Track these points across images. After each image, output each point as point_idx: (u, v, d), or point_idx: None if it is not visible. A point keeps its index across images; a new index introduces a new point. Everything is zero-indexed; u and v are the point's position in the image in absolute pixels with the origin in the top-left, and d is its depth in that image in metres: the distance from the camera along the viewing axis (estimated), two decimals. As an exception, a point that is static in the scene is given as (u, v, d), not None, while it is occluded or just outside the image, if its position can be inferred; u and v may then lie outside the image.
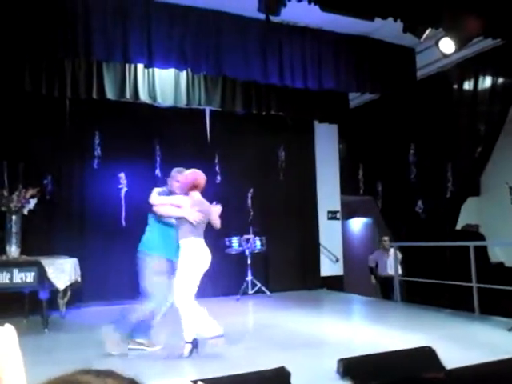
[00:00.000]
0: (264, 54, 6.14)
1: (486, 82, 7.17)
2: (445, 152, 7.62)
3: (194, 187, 4.48)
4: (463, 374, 3.47)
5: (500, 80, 7.00)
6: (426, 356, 3.68)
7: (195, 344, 4.14)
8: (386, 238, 8.88)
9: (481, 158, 7.23)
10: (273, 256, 8.51)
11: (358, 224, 12.11)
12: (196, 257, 4.24)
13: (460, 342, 4.51)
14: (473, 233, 8.26)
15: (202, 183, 4.52)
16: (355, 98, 8.89)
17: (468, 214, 8.48)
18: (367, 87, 7.03)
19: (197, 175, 4.54)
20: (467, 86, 7.40)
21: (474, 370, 3.47)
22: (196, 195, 4.48)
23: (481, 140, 7.15)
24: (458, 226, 8.13)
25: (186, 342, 4.13)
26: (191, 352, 4.12)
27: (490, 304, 6.19)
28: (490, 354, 3.75)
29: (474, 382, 3.31)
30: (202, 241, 4.35)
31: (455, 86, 7.57)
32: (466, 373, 3.47)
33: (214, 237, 8.23)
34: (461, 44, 5.96)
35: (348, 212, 10.56)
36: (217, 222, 4.61)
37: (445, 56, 6.55)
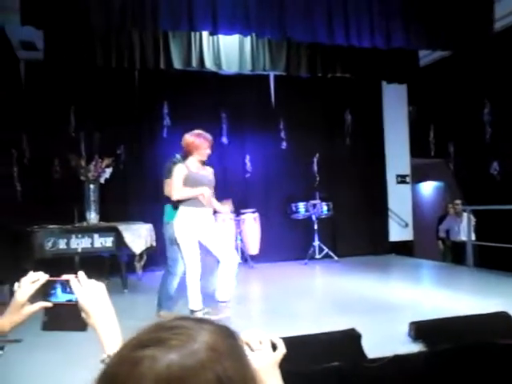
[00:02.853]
0: (329, 14, 5.95)
1: None
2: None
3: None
4: (542, 340, 3.36)
5: None
6: (501, 322, 3.59)
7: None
8: (458, 202, 8.57)
9: None
10: (340, 221, 8.48)
11: (428, 188, 11.75)
12: None
13: (538, 309, 4.34)
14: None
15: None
16: (425, 56, 8.47)
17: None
18: (439, 43, 6.63)
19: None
20: (550, 37, 6.84)
21: (553, 337, 3.35)
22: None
23: None
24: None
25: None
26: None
27: None
28: None
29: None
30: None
31: (536, 39, 7.01)
32: (544, 339, 3.36)
33: (280, 203, 8.39)
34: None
35: (418, 175, 10.25)
36: None
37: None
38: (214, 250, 4.20)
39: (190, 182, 4.14)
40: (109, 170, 6.35)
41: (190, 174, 4.16)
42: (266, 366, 0.99)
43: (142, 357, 0.65)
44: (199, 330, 0.71)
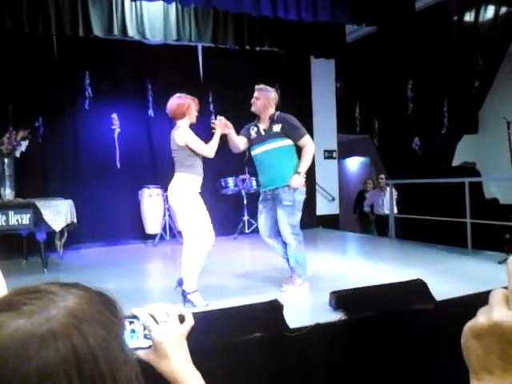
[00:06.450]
0: (256, -16, 5.86)
1: (488, 12, 6.89)
2: (442, 87, 7.45)
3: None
4: (452, 304, 3.55)
5: (503, 10, 6.72)
6: (416, 288, 3.75)
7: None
8: (383, 177, 8.88)
9: (478, 93, 7.08)
10: (269, 196, 8.52)
11: (354, 163, 12.09)
12: None
13: (452, 276, 4.60)
14: (468, 169, 8.23)
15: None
16: (352, 32, 8.60)
17: (466, 152, 8.43)
18: (364, 19, 6.75)
19: None
20: (468, 17, 7.12)
21: (462, 301, 3.54)
22: None
23: (479, 74, 6.98)
24: (456, 164, 8.09)
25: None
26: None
27: (483, 239, 6.27)
28: (479, 285, 3.80)
29: (462, 312, 3.38)
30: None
31: (455, 18, 7.29)
32: (454, 304, 3.55)
33: (209, 178, 8.26)
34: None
35: (345, 151, 10.50)
36: None
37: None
38: None
39: None
40: (25, 143, 5.99)
41: None
42: (172, 338, 0.95)
43: None
44: (65, 295, 0.63)
